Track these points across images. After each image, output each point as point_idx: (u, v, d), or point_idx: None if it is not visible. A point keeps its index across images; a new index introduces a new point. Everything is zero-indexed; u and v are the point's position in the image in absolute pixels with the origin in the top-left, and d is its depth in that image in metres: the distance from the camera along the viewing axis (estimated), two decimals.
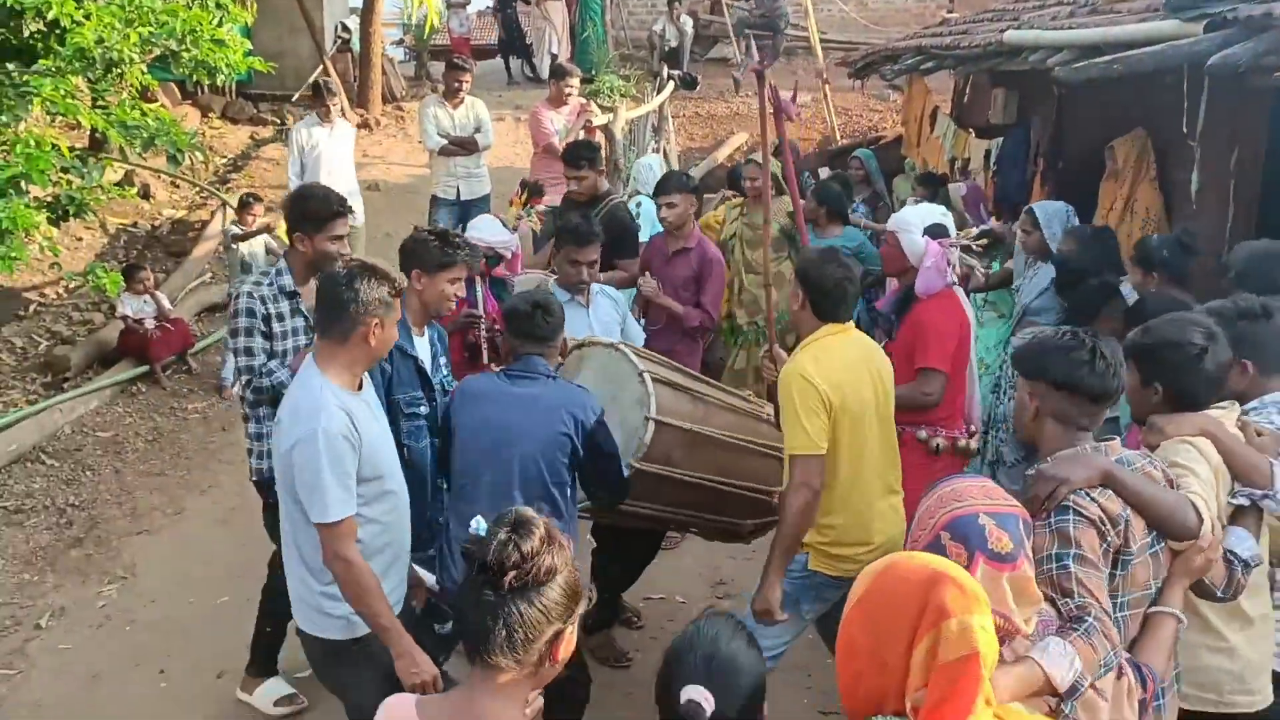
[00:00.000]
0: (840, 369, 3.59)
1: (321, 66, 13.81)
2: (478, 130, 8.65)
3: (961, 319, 4.43)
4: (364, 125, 13.37)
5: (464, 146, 8.58)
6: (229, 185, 11.76)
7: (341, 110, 8.62)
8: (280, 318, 4.12)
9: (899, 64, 9.98)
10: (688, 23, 16.78)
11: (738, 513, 4.34)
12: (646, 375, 4.01)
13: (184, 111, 12.58)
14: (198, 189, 11.41)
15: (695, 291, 5.74)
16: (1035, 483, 2.54)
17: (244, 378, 4.13)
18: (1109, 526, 2.50)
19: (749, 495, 4.22)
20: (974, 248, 4.62)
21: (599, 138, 8.97)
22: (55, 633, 5.17)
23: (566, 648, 1.90)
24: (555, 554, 1.87)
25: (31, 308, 8.79)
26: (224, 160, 12.48)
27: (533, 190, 6.51)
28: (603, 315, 4.99)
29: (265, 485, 4.17)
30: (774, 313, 4.79)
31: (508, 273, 5.27)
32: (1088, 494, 2.51)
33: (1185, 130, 5.05)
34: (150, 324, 7.97)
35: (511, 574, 1.83)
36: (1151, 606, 2.62)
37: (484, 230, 5.26)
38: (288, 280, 4.16)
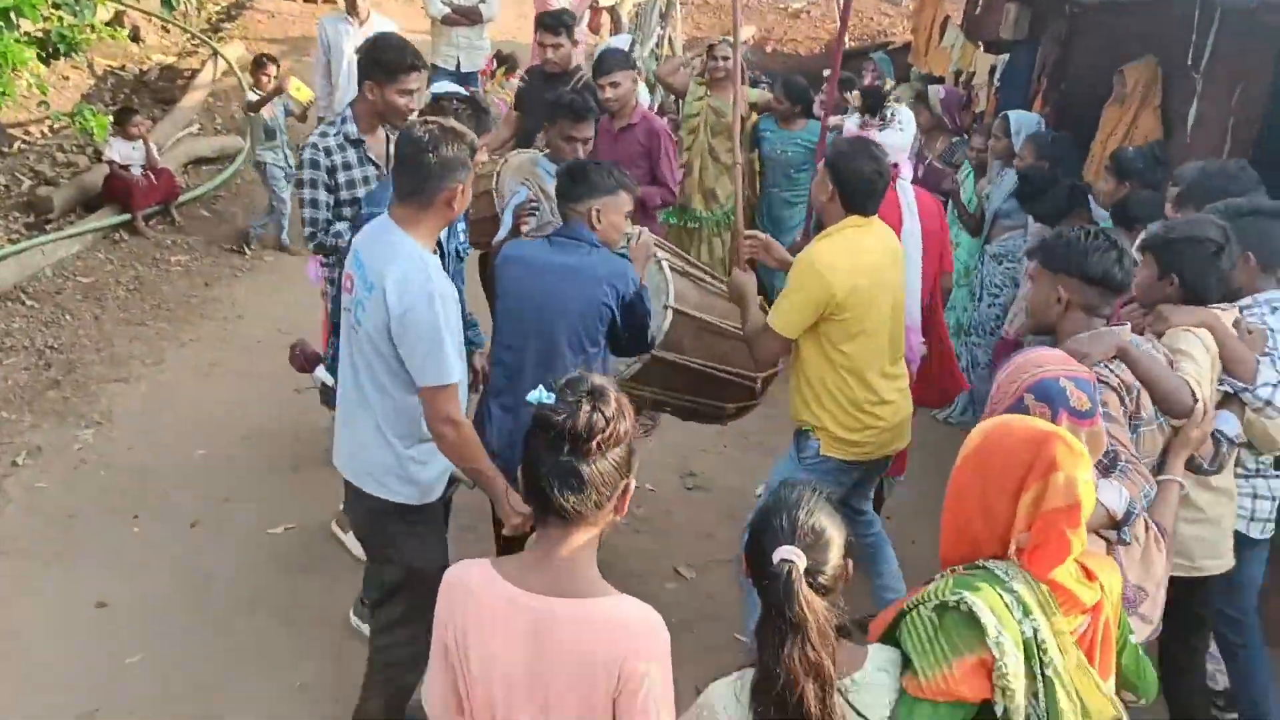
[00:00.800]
0: (857, 262, 3.67)
1: None
2: (482, 0, 8.48)
3: (895, 214, 4.38)
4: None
5: (467, 16, 8.42)
6: (221, 35, 11.51)
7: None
8: (347, 166, 4.14)
9: None
10: None
11: (727, 397, 4.46)
12: (665, 263, 4.11)
13: None
14: (189, 35, 11.16)
15: (647, 169, 5.59)
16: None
17: (307, 229, 4.19)
18: (1125, 393, 2.82)
19: (738, 380, 4.33)
20: (876, 126, 4.67)
21: (605, 19, 8.80)
22: (31, 471, 5.25)
23: (629, 497, 2.06)
24: (627, 417, 2.01)
25: (15, 145, 8.65)
26: (217, 9, 12.18)
27: (509, 64, 6.32)
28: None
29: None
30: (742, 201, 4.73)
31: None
32: (1107, 365, 2.83)
33: (1190, 62, 5.02)
34: (136, 171, 7.90)
35: (596, 439, 1.95)
36: (1157, 474, 2.89)
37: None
38: (353, 128, 4.16)
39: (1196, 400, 2.92)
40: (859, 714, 2.00)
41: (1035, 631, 2.02)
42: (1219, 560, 3.42)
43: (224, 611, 4.31)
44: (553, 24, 6.02)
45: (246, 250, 8.23)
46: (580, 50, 8.24)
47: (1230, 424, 3.21)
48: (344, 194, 4.14)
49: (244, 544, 4.76)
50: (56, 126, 9.00)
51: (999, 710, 1.98)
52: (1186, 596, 3.25)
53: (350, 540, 4.60)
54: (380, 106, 4.12)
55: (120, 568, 4.54)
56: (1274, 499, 3.59)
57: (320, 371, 4.06)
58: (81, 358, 6.39)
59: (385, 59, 4.09)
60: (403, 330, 2.95)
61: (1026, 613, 2.03)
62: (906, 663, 2.04)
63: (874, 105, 5.83)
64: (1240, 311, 3.38)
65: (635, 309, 3.62)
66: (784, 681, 1.91)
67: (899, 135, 4.66)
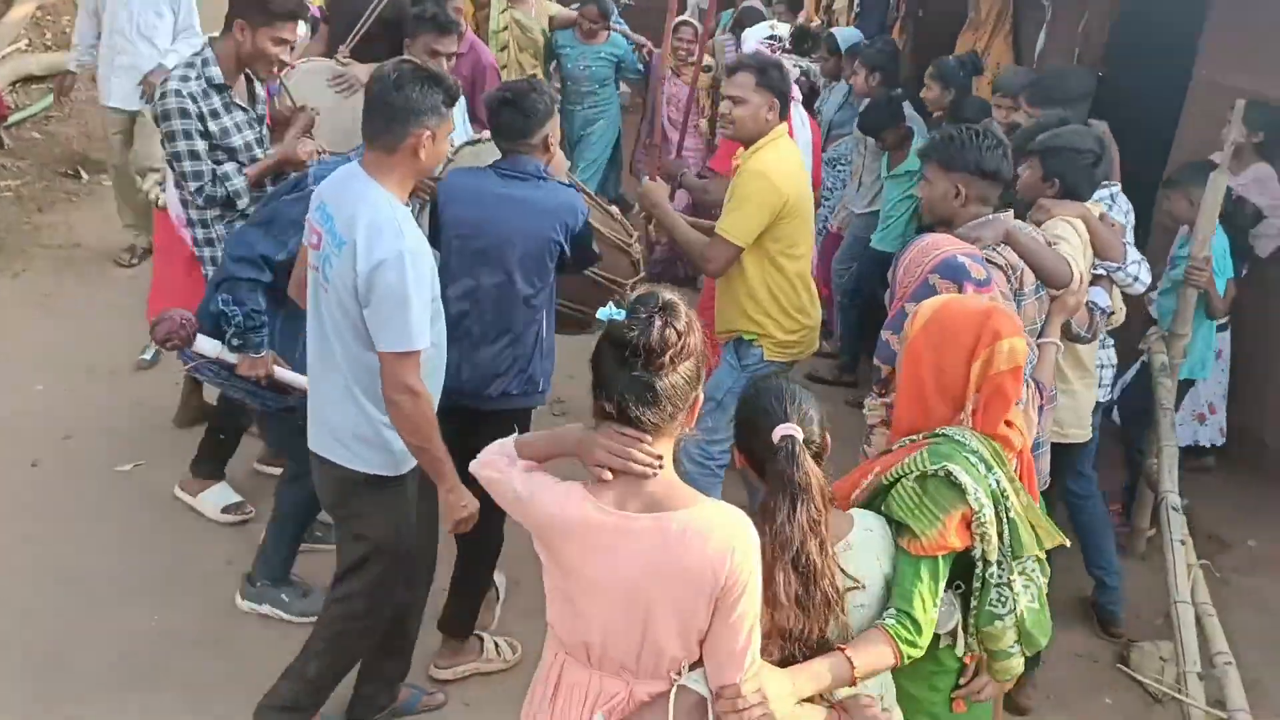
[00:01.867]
0: (795, 168, 3.95)
1: None
2: None
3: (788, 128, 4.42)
4: None
5: None
6: None
7: None
8: (215, 114, 3.82)
9: None
10: None
11: (598, 304, 4.41)
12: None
13: None
14: None
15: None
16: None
17: (192, 185, 3.85)
18: (1010, 271, 3.16)
19: (613, 287, 4.28)
20: (785, 45, 4.79)
21: None
22: None
23: (697, 408, 2.10)
24: (696, 331, 2.03)
25: None
26: None
27: None
28: (460, 111, 4.73)
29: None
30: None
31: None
32: (994, 248, 3.15)
33: None
34: None
35: (670, 353, 1.97)
36: (1037, 338, 3.26)
37: None
38: (215, 71, 3.82)
39: (1073, 272, 3.30)
40: (850, 577, 2.24)
41: (998, 483, 2.36)
42: (1084, 430, 3.91)
43: (72, 554, 4.12)
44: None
45: (83, 174, 7.76)
46: None
47: (1101, 297, 3.69)
48: (219, 142, 3.85)
49: (90, 484, 4.55)
50: None
51: (977, 553, 2.32)
52: (1058, 460, 3.74)
53: (200, 503, 4.43)
54: (247, 50, 3.82)
55: None
56: (1114, 366, 4.19)
57: (205, 343, 3.52)
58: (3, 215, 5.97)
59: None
60: (368, 288, 2.75)
61: (989, 468, 2.37)
62: (898, 529, 2.33)
63: (799, 40, 6.38)
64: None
65: (583, 241, 3.50)
66: (797, 545, 2.12)
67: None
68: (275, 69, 3.98)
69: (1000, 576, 2.35)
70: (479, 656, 3.79)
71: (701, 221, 4.18)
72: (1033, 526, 2.42)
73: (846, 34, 6.76)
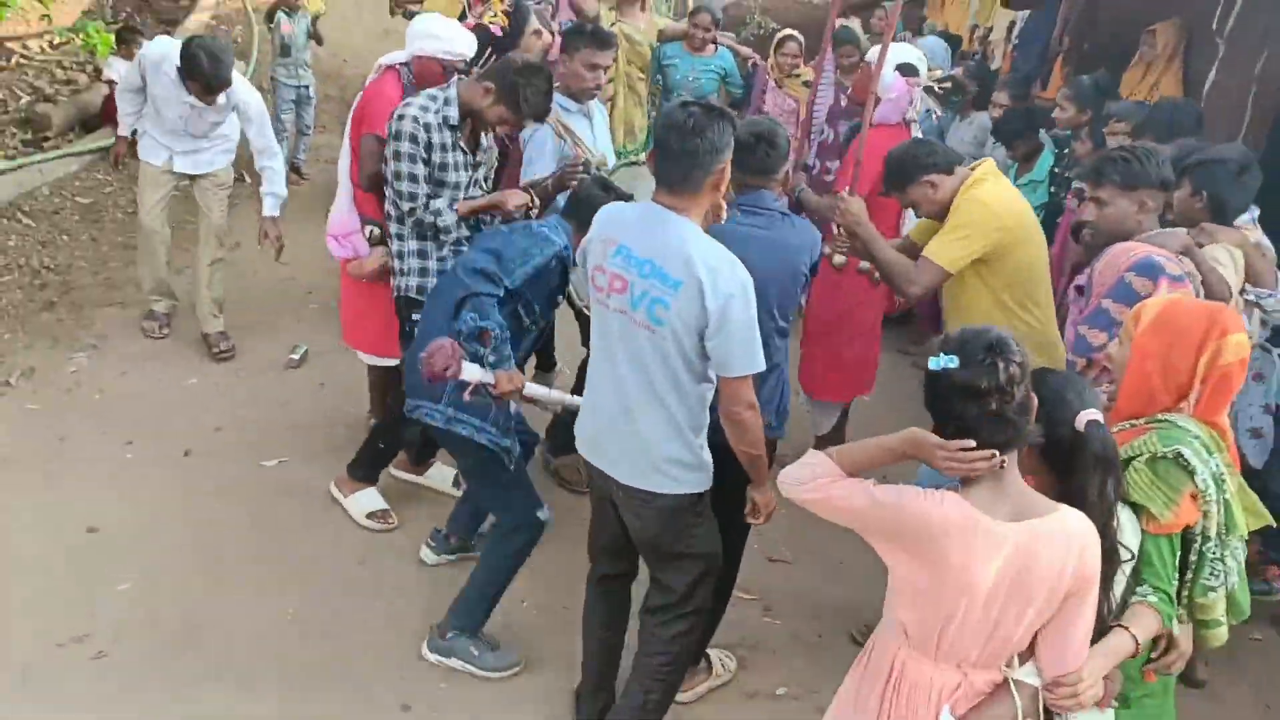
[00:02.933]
0: (1016, 204, 3.85)
1: None
2: None
3: None
4: None
5: None
6: None
7: None
8: (443, 148, 4.00)
9: None
10: None
11: None
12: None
13: None
14: None
15: None
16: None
17: (405, 204, 4.04)
18: (1192, 280, 3.25)
19: None
20: (936, 90, 4.72)
21: None
22: (23, 391, 5.21)
23: (1033, 414, 2.29)
24: (1025, 352, 2.24)
25: (14, 60, 8.51)
26: None
27: None
28: (601, 126, 4.80)
29: (403, 303, 4.23)
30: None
31: None
32: (1176, 258, 3.25)
33: (1215, 26, 4.92)
34: None
35: (1015, 387, 2.19)
36: None
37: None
38: (453, 112, 3.99)
39: (1231, 291, 3.44)
40: (1127, 549, 2.45)
41: (1217, 466, 2.53)
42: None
43: (215, 541, 4.29)
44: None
45: (246, 177, 8.11)
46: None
47: (1245, 323, 3.71)
48: (435, 174, 4.03)
49: (237, 475, 4.73)
50: (57, 42, 8.83)
51: (1197, 529, 2.51)
52: None
53: (350, 503, 4.54)
54: (478, 108, 4.00)
55: (112, 493, 4.51)
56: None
57: (471, 369, 3.44)
58: (78, 280, 6.32)
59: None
60: (721, 323, 2.86)
61: (1209, 453, 2.54)
62: (1134, 509, 2.47)
63: (952, 91, 6.36)
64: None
65: (818, 270, 3.61)
66: (1103, 522, 2.31)
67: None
68: (501, 128, 4.23)
69: (1216, 552, 2.54)
70: (710, 674, 3.84)
71: (898, 241, 4.12)
72: (1244, 508, 2.64)
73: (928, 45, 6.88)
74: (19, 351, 5.51)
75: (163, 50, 5.32)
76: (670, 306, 2.88)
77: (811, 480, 2.37)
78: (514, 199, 4.11)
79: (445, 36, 4.40)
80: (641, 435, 3.06)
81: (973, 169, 3.85)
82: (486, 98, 3.94)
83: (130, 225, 7.00)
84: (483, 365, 3.42)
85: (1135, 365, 2.64)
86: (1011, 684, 2.29)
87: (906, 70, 4.69)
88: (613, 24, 6.59)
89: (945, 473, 2.27)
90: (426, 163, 3.98)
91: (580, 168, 4.19)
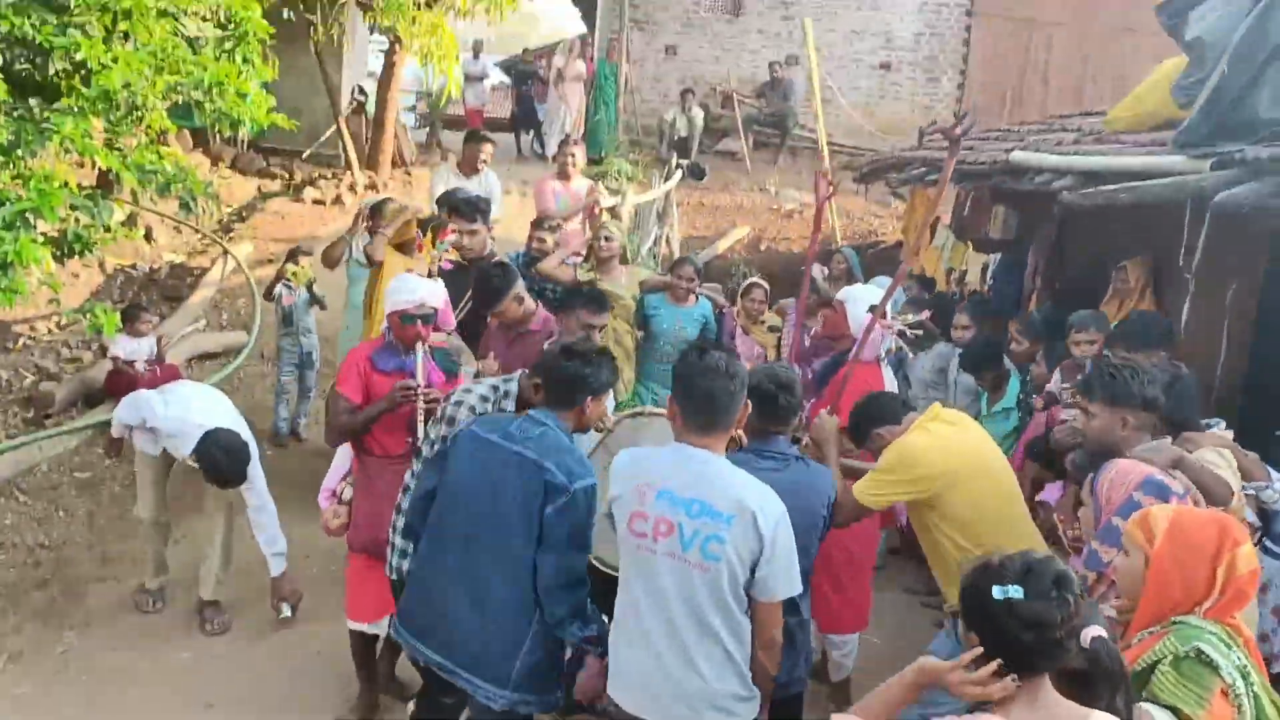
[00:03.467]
0: (947, 447, 3.94)
1: (335, 126, 14.00)
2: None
3: (880, 388, 4.90)
4: (371, 187, 13.50)
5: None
6: (231, 235, 11.82)
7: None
8: None
9: (904, 173, 10.16)
10: (699, 114, 17.10)
11: None
12: None
13: (196, 159, 12.70)
14: (201, 235, 11.46)
15: None
16: None
17: None
18: (1187, 492, 3.38)
19: None
20: (908, 333, 5.09)
21: (605, 219, 9.03)
22: (12, 676, 5.05)
23: None
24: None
25: (20, 341, 8.74)
26: (229, 210, 12.55)
27: (437, 225, 6.05)
28: None
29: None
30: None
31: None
32: (1168, 472, 3.42)
33: (1181, 263, 5.13)
34: (141, 366, 7.92)
35: (1077, 619, 2.29)
36: None
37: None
38: (511, 406, 3.93)
39: (1233, 491, 3.63)
40: None
41: (1239, 659, 2.59)
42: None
43: None
44: (468, 210, 6.04)
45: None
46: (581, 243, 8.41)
47: (1249, 515, 4.01)
48: None
49: None
50: (64, 323, 9.10)
51: None
52: None
53: None
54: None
55: None
56: None
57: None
58: (73, 556, 6.25)
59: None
60: (772, 553, 3.00)
61: (1228, 646, 2.60)
62: (1175, 712, 2.51)
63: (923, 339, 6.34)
64: None
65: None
66: None
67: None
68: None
69: None
70: None
71: (856, 465, 4.24)
72: (1272, 702, 2.65)
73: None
74: (8, 635, 5.37)
75: (176, 425, 5.29)
76: (726, 541, 2.98)
77: None
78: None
79: (408, 289, 4.57)
80: (702, 676, 3.06)
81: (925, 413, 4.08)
82: (538, 395, 3.75)
83: (127, 497, 6.99)
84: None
85: (1155, 580, 2.72)
86: None
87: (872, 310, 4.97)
88: (592, 283, 6.61)
89: (963, 698, 2.32)
90: None
91: (406, 391, 4.36)
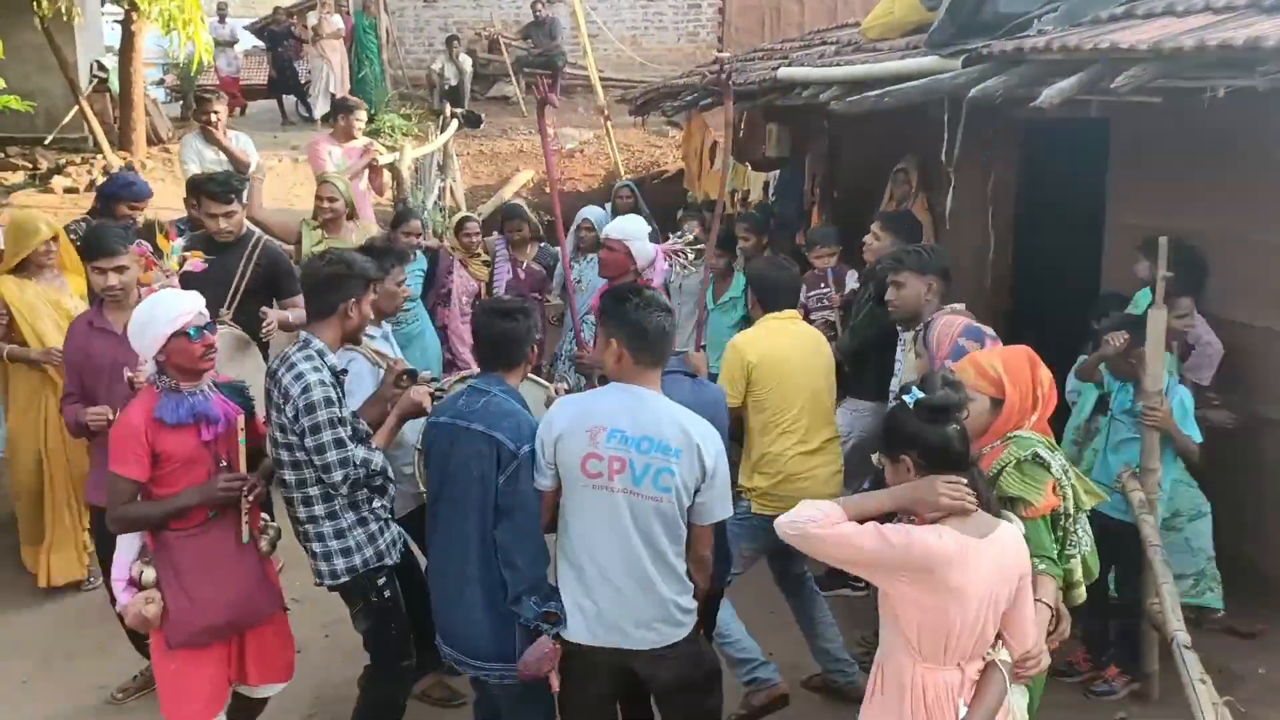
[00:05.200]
0: (771, 344, 4.46)
1: (76, 107, 13.03)
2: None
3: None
4: (128, 168, 12.66)
5: (239, 173, 7.61)
6: None
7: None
8: (341, 399, 3.72)
9: (678, 100, 10.26)
10: (466, 61, 16.77)
11: None
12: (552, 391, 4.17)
13: None
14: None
15: None
16: None
17: (338, 475, 3.60)
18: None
19: None
20: (687, 252, 5.41)
21: (386, 177, 8.78)
22: None
23: None
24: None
25: None
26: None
27: (153, 229, 5.43)
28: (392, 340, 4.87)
29: (358, 586, 3.78)
30: None
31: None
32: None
33: (944, 158, 5.38)
34: None
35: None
36: None
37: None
38: (334, 359, 3.75)
39: None
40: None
41: (1062, 461, 3.28)
42: None
43: None
44: (223, 192, 5.51)
45: None
46: (368, 206, 8.12)
47: None
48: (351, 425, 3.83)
49: None
50: None
51: (1061, 509, 3.23)
52: None
53: None
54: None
55: None
56: None
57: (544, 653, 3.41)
58: None
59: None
60: (713, 481, 3.27)
61: (1052, 451, 3.27)
62: (1012, 504, 3.09)
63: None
64: None
65: None
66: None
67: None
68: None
69: (1072, 526, 3.28)
70: None
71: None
72: (1086, 490, 3.37)
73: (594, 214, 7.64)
74: None
75: None
76: (675, 473, 3.21)
77: (822, 518, 2.80)
78: (419, 395, 3.98)
79: (172, 301, 3.71)
80: (661, 597, 3.29)
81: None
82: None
83: None
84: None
85: (1009, 409, 3.29)
86: (999, 664, 2.85)
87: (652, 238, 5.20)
88: (318, 243, 6.32)
89: (945, 509, 2.79)
90: (344, 421, 3.67)
91: (404, 376, 4.09)
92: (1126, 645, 4.68)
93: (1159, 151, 5.38)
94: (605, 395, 3.36)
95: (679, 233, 6.54)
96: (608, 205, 8.91)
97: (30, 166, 12.96)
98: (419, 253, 7.07)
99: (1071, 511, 3.25)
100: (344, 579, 3.75)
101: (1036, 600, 2.97)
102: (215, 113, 7.53)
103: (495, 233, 7.99)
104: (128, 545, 3.71)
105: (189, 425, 3.57)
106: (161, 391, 3.59)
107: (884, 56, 6.33)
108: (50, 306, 5.41)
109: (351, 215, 6.65)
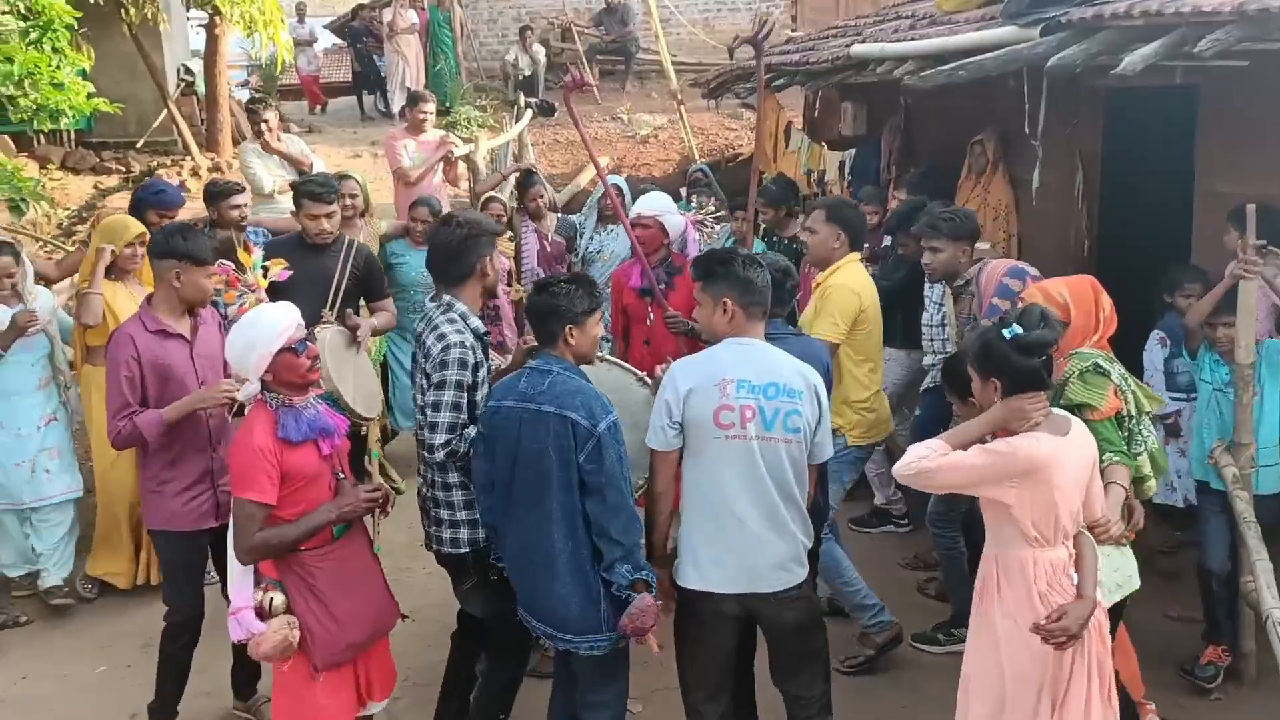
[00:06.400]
0: (867, 285, 4.83)
1: (165, 111, 13.41)
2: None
3: None
4: (214, 169, 13.01)
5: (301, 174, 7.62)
6: (74, 238, 11.27)
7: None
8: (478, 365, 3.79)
9: (750, 82, 10.18)
10: (540, 51, 16.86)
11: None
12: (646, 377, 4.20)
13: (20, 164, 12.01)
14: (41, 243, 10.89)
15: None
16: None
17: (441, 437, 3.68)
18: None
19: None
20: (707, 221, 5.85)
21: (461, 168, 8.88)
22: None
23: None
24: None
25: None
26: (67, 212, 11.94)
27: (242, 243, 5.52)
28: None
29: (478, 559, 3.85)
30: None
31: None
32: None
33: (1027, 130, 5.28)
34: None
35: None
36: None
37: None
38: (477, 322, 3.86)
39: None
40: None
41: (1121, 370, 3.73)
42: None
43: None
44: (327, 192, 5.59)
45: None
46: (445, 198, 8.21)
47: None
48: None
49: None
50: None
51: (1124, 411, 3.66)
52: None
53: None
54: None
55: None
56: None
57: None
58: None
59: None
60: (824, 417, 3.54)
61: (1111, 363, 3.70)
62: (1078, 410, 3.50)
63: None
64: None
65: None
66: None
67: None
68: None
69: (1136, 426, 3.69)
70: None
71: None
72: (1146, 396, 3.82)
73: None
74: None
75: None
76: (802, 413, 3.45)
77: (932, 454, 3.20)
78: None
79: (274, 317, 3.69)
80: (794, 538, 3.51)
81: None
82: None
83: None
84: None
85: (1075, 330, 3.71)
86: (1088, 535, 3.32)
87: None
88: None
89: (1031, 424, 3.19)
90: (472, 388, 3.74)
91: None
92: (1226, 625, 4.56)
93: (1250, 117, 5.20)
94: (723, 350, 3.53)
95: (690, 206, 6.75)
96: (683, 190, 8.90)
97: (124, 170, 13.36)
98: None
99: (1134, 413, 3.68)
100: (464, 549, 3.82)
101: (1112, 484, 3.47)
102: (266, 121, 7.60)
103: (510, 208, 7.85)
104: (244, 572, 3.59)
105: (311, 441, 3.57)
106: (275, 409, 3.55)
107: (960, 28, 6.21)
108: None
109: (365, 212, 6.75)
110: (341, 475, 3.69)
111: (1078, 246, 6.40)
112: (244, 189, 6.37)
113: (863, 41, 7.50)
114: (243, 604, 3.55)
